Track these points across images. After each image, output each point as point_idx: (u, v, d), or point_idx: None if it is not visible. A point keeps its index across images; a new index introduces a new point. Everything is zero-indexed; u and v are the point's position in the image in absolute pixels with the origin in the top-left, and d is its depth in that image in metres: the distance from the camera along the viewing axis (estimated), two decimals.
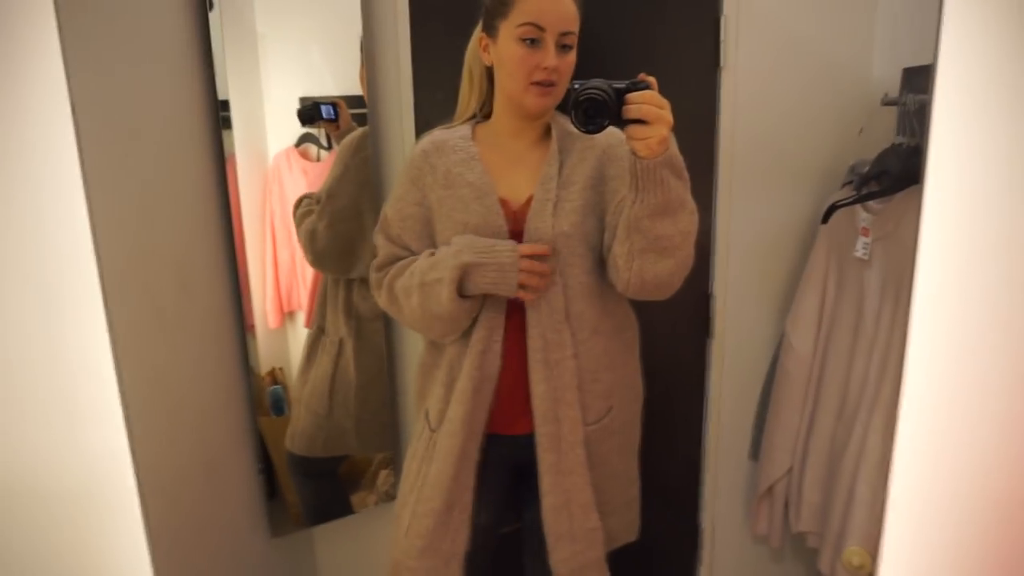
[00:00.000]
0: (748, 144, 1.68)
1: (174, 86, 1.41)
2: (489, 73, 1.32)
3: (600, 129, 1.04)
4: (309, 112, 1.65)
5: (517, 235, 1.26)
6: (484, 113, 1.37)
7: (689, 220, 1.14)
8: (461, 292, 1.23)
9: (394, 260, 1.36)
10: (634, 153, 1.07)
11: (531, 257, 1.22)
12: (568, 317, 1.27)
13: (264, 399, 1.70)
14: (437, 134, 1.36)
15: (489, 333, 1.28)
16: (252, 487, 1.67)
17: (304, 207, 1.66)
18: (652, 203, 1.10)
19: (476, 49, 1.32)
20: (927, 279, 0.78)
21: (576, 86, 1.04)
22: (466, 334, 1.30)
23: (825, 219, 1.47)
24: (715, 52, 1.65)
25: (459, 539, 1.32)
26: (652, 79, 1.05)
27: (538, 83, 1.22)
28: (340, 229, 1.65)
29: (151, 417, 1.20)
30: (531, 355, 1.27)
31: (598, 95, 1.02)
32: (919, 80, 1.36)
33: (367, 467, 1.88)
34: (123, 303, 1.17)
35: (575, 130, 1.20)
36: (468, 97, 1.37)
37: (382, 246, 1.38)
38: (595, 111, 1.03)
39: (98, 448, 1.12)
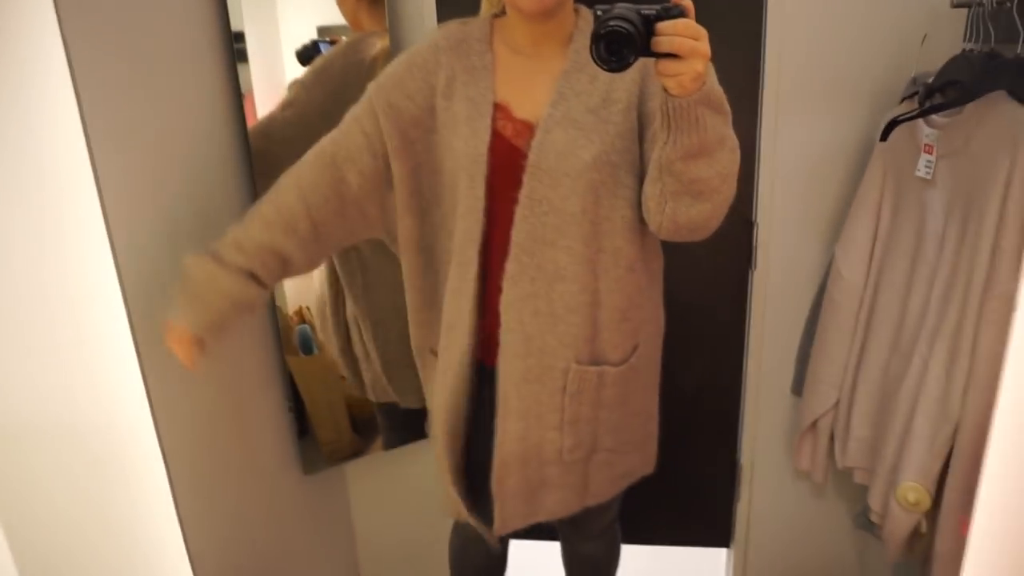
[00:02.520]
0: (796, 59, 1.55)
1: (186, 19, 1.32)
2: None
3: (624, 67, 0.88)
4: (308, 52, 1.54)
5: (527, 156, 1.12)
6: (504, 9, 1.19)
7: (729, 160, 1.01)
8: None
9: (319, 146, 1.22)
10: (665, 90, 0.93)
11: None
12: (599, 253, 1.16)
13: (292, 338, 1.66)
14: (453, 27, 1.21)
15: (463, 270, 1.19)
16: (282, 425, 1.65)
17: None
18: (686, 144, 0.96)
19: None
20: None
21: (599, 13, 0.88)
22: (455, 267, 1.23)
23: (884, 136, 1.35)
24: None
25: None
26: (688, 3, 0.89)
27: None
28: (311, 122, 1.46)
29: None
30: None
31: (622, 28, 0.86)
32: None
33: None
34: (135, 246, 1.13)
35: None
36: None
37: (347, 130, 1.22)
38: (619, 45, 0.87)
39: (117, 390, 1.09)
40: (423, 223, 1.26)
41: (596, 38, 0.87)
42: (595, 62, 0.89)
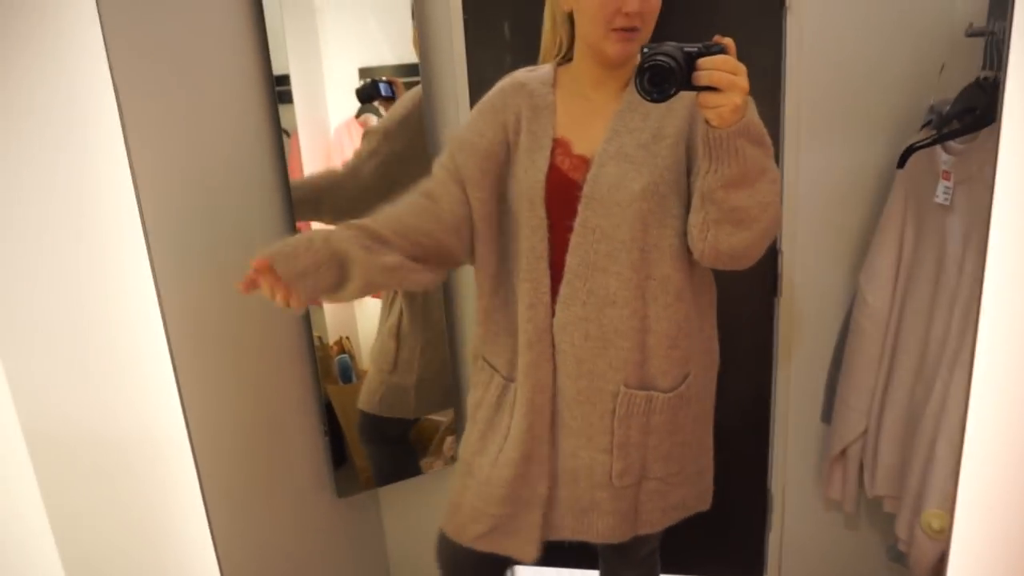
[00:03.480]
0: (816, 88, 1.58)
1: (229, 63, 1.42)
2: (570, 16, 1.24)
3: (665, 98, 0.97)
4: (368, 91, 1.65)
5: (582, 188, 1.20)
6: (567, 56, 1.29)
7: (769, 190, 1.07)
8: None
9: (414, 189, 1.28)
10: (707, 122, 1.01)
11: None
12: (648, 280, 1.22)
13: (332, 368, 1.73)
14: (519, 74, 1.31)
15: (534, 286, 1.25)
16: (317, 449, 1.71)
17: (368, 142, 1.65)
18: (727, 174, 1.04)
19: None
20: (1004, 226, 0.72)
21: (645, 50, 0.98)
22: (518, 289, 1.27)
23: (901, 163, 1.37)
24: None
25: (540, 487, 1.32)
26: (729, 41, 0.98)
27: (620, 29, 1.14)
28: (391, 171, 1.62)
29: (203, 382, 1.24)
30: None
31: (664, 62, 0.95)
32: (1008, 4, 1.24)
33: (433, 433, 1.90)
34: (173, 266, 1.20)
35: None
36: (551, 39, 1.29)
37: (434, 171, 1.30)
38: (660, 78, 0.96)
39: (153, 403, 1.15)
40: (495, 247, 1.32)
41: (640, 71, 0.96)
42: (639, 93, 0.98)
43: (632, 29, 1.15)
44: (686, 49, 0.96)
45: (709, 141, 1.02)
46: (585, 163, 1.22)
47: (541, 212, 1.23)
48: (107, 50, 1.00)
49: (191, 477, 1.20)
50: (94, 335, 1.13)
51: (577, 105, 1.26)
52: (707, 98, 0.97)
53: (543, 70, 1.30)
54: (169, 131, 1.23)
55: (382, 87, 1.66)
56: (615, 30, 1.15)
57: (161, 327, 1.13)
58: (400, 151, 1.64)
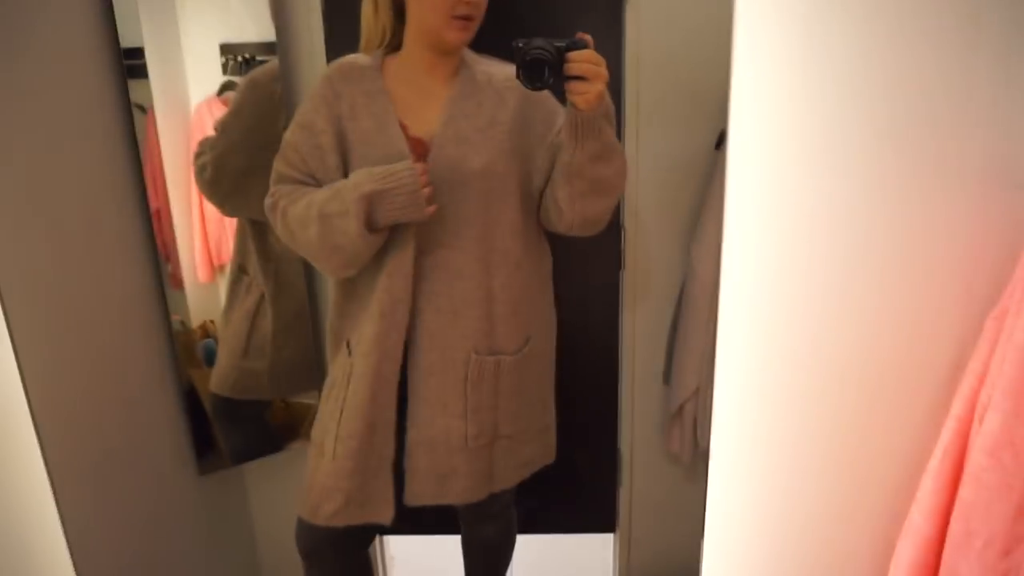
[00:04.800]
0: (652, 76, 1.72)
1: (73, 36, 1.38)
2: (395, 5, 1.31)
3: (544, 86, 1.13)
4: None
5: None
6: (392, 44, 1.36)
7: (621, 161, 1.27)
8: (370, 226, 1.23)
9: (286, 182, 1.35)
10: (574, 106, 1.16)
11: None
12: (491, 252, 1.32)
13: (196, 352, 1.72)
14: (344, 62, 1.35)
15: (396, 259, 1.30)
16: (177, 428, 1.70)
17: (199, 148, 1.65)
18: (592, 150, 1.20)
19: None
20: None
21: (521, 44, 1.12)
22: (377, 261, 1.31)
23: (718, 144, 1.53)
24: None
25: (386, 451, 1.36)
26: (589, 38, 1.13)
27: (459, 16, 1.23)
28: (229, 163, 1.63)
29: (49, 363, 1.22)
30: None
31: (544, 55, 1.10)
32: None
33: (304, 416, 1.92)
34: (13, 235, 1.18)
35: (491, 69, 1.29)
36: (373, 26, 1.35)
37: (279, 170, 1.35)
38: (540, 69, 1.11)
39: None
40: None
41: (522, 63, 1.12)
42: (520, 81, 1.12)
43: (469, 18, 1.24)
44: (556, 44, 1.11)
45: (577, 122, 1.18)
46: (423, 145, 1.29)
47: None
48: None
49: (35, 454, 1.18)
50: None
51: (409, 90, 1.32)
52: (576, 86, 1.13)
53: (369, 59, 1.34)
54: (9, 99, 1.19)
55: None
56: (456, 17, 1.23)
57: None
58: (238, 140, 1.64)
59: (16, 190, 1.22)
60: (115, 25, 1.46)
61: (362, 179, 1.23)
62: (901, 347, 0.85)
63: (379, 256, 1.31)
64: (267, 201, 1.36)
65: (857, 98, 0.79)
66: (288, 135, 1.35)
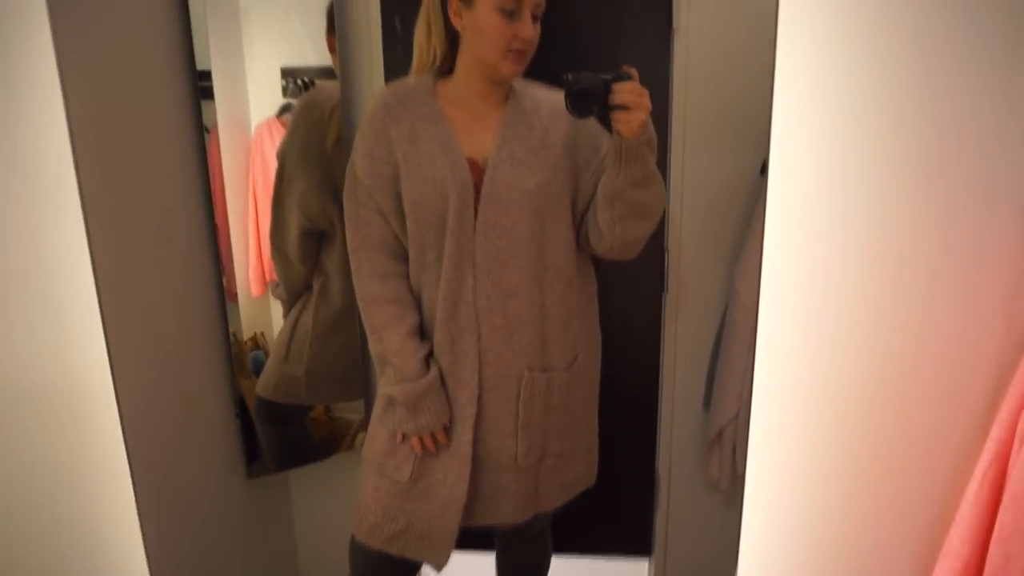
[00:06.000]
0: (698, 104, 1.75)
1: (155, 57, 1.47)
2: (448, 31, 1.36)
3: (590, 114, 1.22)
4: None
5: (480, 190, 1.32)
6: (442, 68, 1.40)
7: (660, 187, 1.32)
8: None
9: (365, 244, 1.40)
10: (619, 133, 1.22)
11: None
12: (545, 271, 1.37)
13: (246, 362, 1.79)
14: (398, 86, 1.40)
15: (459, 285, 1.34)
16: (230, 431, 1.77)
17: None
18: (634, 175, 1.25)
19: (434, 4, 1.34)
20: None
21: (570, 77, 1.20)
22: (436, 284, 1.37)
23: (763, 171, 1.54)
24: (668, 15, 1.72)
25: (457, 488, 1.38)
26: (634, 71, 1.20)
27: (514, 51, 1.29)
28: (294, 186, 1.71)
29: (134, 357, 1.30)
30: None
31: (590, 86, 1.20)
32: None
33: (347, 429, 1.97)
34: (107, 264, 1.24)
35: (538, 95, 1.36)
36: (425, 49, 1.39)
37: (352, 213, 1.40)
38: (587, 99, 1.20)
39: (83, 371, 1.19)
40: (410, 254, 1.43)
41: (570, 93, 1.20)
42: (568, 110, 1.21)
43: (524, 52, 1.30)
44: (602, 76, 1.20)
45: (621, 149, 1.23)
46: (477, 167, 1.34)
47: (471, 212, 1.33)
48: (56, 47, 1.06)
49: (116, 436, 1.23)
50: (26, 288, 1.16)
51: (462, 114, 1.37)
52: (620, 115, 1.19)
53: (419, 81, 1.39)
54: (103, 111, 1.27)
55: None
56: (511, 51, 1.29)
57: (95, 296, 1.17)
58: (295, 163, 1.72)
59: (104, 202, 1.28)
60: (192, 49, 1.55)
61: (406, 396, 1.35)
62: (941, 372, 0.86)
63: (445, 283, 1.35)
64: (351, 257, 1.43)
65: (897, 125, 0.81)
66: (354, 167, 1.39)
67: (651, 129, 1.25)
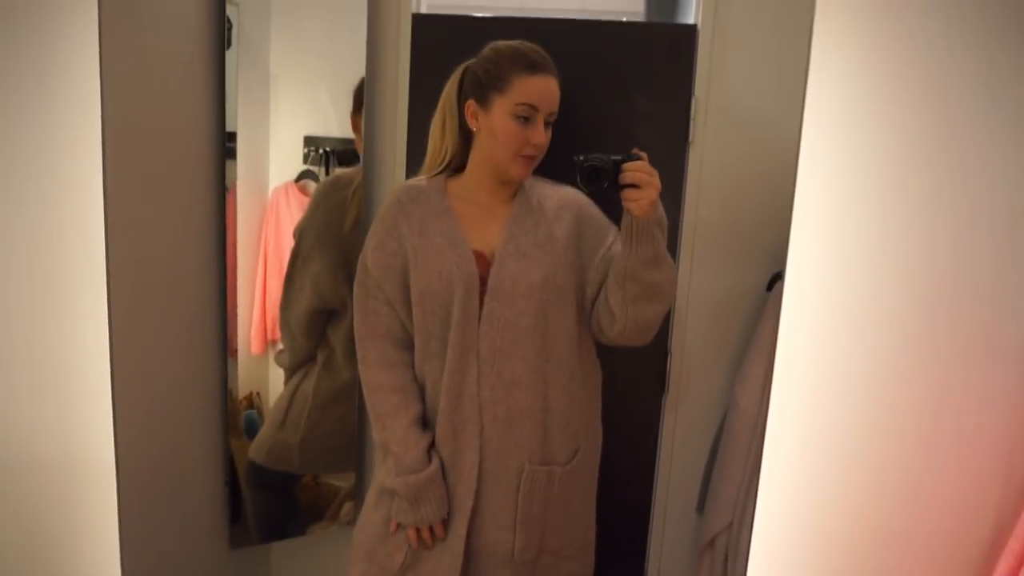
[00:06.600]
0: (709, 214, 1.81)
1: (189, 116, 1.54)
2: (462, 130, 1.43)
3: (600, 190, 1.25)
4: None
5: (487, 282, 1.36)
6: (454, 166, 1.46)
7: (671, 269, 1.34)
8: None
9: (373, 333, 1.43)
10: (629, 212, 1.24)
11: None
12: (548, 363, 1.38)
13: (239, 422, 1.79)
14: (411, 185, 1.45)
15: (462, 376, 1.36)
16: (217, 499, 1.75)
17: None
18: (645, 255, 1.27)
19: (451, 104, 1.42)
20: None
21: (580, 157, 1.24)
22: (439, 375, 1.39)
23: (770, 287, 1.58)
24: (685, 128, 1.79)
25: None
26: (644, 153, 1.25)
27: (526, 156, 1.35)
28: (308, 266, 1.75)
29: (137, 421, 1.31)
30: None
31: (600, 164, 1.24)
32: None
33: (333, 497, 1.95)
34: (121, 307, 1.26)
35: (545, 190, 1.39)
36: (438, 146, 1.46)
37: (362, 303, 1.44)
38: (597, 176, 1.24)
39: (85, 434, 1.19)
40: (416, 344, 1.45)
41: (581, 171, 1.24)
42: (579, 186, 1.25)
43: (534, 157, 1.36)
44: (613, 157, 1.24)
45: (632, 228, 1.25)
46: (484, 259, 1.38)
47: (475, 303, 1.36)
48: (102, 93, 1.10)
49: (109, 500, 1.21)
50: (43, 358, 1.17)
51: (471, 209, 1.42)
52: (631, 193, 1.22)
53: (434, 182, 1.45)
54: (135, 163, 1.32)
55: None
56: (522, 156, 1.35)
57: (108, 356, 1.18)
58: (312, 244, 1.77)
59: (127, 257, 1.31)
60: (224, 111, 1.62)
61: (407, 491, 1.36)
62: (942, 514, 0.87)
63: (448, 375, 1.37)
64: (357, 344, 1.45)
65: (910, 268, 0.84)
66: (365, 258, 1.44)
67: (661, 210, 1.27)
